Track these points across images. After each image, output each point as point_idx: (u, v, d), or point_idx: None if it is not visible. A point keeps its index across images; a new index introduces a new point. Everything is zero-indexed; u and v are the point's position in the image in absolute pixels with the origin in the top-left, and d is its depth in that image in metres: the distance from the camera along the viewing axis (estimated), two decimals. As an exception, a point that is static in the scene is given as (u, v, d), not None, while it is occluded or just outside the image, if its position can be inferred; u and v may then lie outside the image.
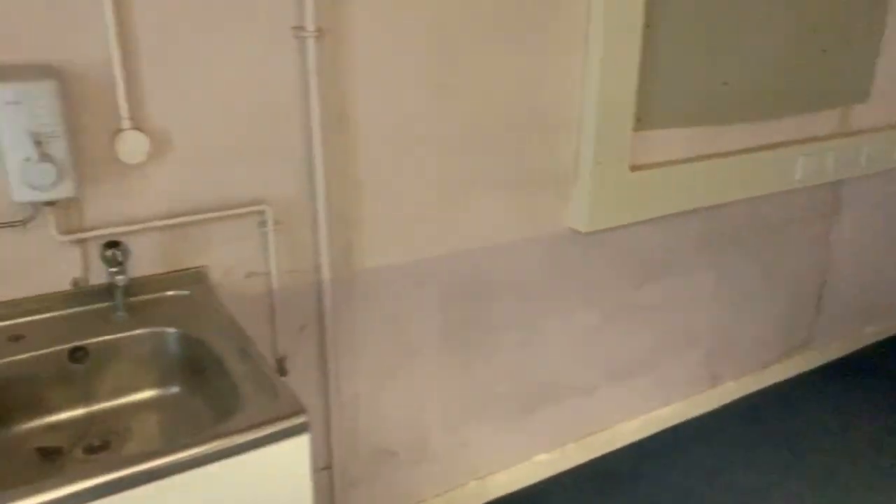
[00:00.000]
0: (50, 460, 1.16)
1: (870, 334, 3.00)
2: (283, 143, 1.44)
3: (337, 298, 1.61)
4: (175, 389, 1.30)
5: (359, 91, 1.49)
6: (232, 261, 1.47)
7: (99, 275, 1.33)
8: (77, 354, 1.23)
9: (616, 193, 1.90)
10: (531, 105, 1.74)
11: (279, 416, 1.02)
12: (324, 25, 1.39)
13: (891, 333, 3.07)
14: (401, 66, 1.53)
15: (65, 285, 1.31)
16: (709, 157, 2.08)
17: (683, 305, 2.31)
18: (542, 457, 2.17)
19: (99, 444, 1.20)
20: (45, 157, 1.14)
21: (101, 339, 1.25)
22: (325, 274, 1.56)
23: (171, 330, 1.27)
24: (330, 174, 1.49)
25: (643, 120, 1.90)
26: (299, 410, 1.03)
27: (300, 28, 1.36)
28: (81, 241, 1.30)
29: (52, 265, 1.29)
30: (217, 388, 1.22)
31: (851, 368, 2.83)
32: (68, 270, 1.31)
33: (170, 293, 1.39)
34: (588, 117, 1.80)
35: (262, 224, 1.46)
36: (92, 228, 1.30)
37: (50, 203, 1.21)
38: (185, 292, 1.39)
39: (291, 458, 1.03)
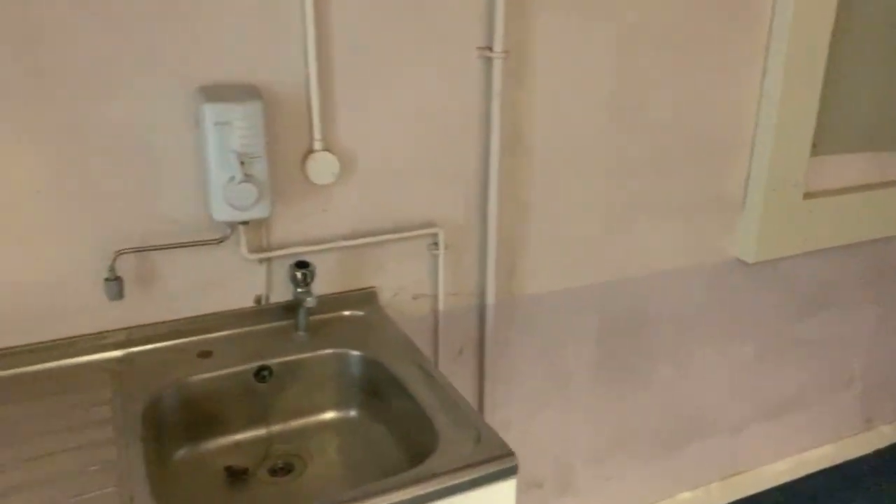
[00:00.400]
0: (238, 480, 1.16)
1: None
2: (459, 165, 1.41)
3: (497, 323, 1.57)
4: (353, 413, 1.28)
5: (536, 112, 1.44)
6: (401, 282, 1.45)
7: (279, 293, 1.34)
8: (262, 373, 1.23)
9: (787, 222, 1.78)
10: (703, 126, 1.65)
11: (487, 458, 0.98)
12: (509, 46, 1.36)
13: None
14: (577, 85, 1.47)
15: (248, 302, 1.32)
16: (885, 185, 1.93)
17: (841, 342, 2.15)
18: (686, 495, 2.06)
19: (282, 465, 1.20)
20: (247, 177, 1.14)
21: (285, 358, 1.25)
22: (489, 298, 1.52)
23: (355, 352, 1.26)
24: (502, 197, 1.46)
25: (819, 144, 1.78)
26: (508, 453, 0.99)
27: (487, 49, 1.33)
28: (267, 260, 1.30)
29: (238, 282, 1.30)
30: (400, 416, 1.19)
31: None
32: (253, 288, 1.32)
33: (345, 313, 1.38)
34: (763, 140, 1.69)
35: (433, 246, 1.44)
36: (278, 248, 1.30)
37: (244, 222, 1.23)
38: (360, 313, 1.38)
39: (497, 502, 0.99)
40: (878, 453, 2.37)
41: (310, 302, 1.23)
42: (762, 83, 1.66)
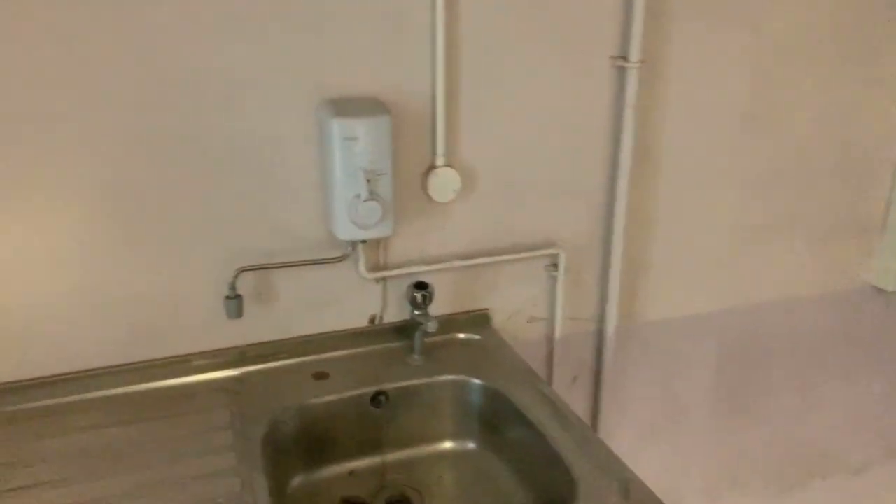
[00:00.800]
0: (355, 511, 1.11)
1: None
2: (584, 181, 1.33)
3: (615, 350, 1.47)
4: (472, 444, 1.22)
5: (666, 124, 1.34)
6: (517, 304, 1.37)
7: (392, 312, 1.28)
8: (378, 398, 1.18)
9: (932, 247, 1.63)
10: (845, 142, 1.51)
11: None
12: (644, 55, 1.26)
13: None
14: (712, 97, 1.36)
15: (363, 322, 1.27)
16: None
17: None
18: (802, 537, 1.91)
19: (398, 499, 1.14)
20: (372, 195, 1.09)
21: (401, 384, 1.19)
22: (609, 324, 1.43)
23: (475, 381, 1.19)
24: (628, 215, 1.36)
25: (972, 162, 1.61)
26: (664, 509, 0.90)
27: (622, 58, 1.25)
28: (383, 279, 1.25)
29: (354, 301, 1.25)
30: (524, 452, 1.12)
31: None
32: (368, 307, 1.27)
33: (460, 336, 1.31)
34: (910, 159, 1.54)
35: (552, 268, 1.35)
36: (395, 267, 1.25)
37: (364, 240, 1.17)
38: (476, 337, 1.31)
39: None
40: None
41: (430, 327, 1.17)
42: (912, 95, 1.52)
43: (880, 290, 1.66)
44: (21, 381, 1.10)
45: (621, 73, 1.26)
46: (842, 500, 1.92)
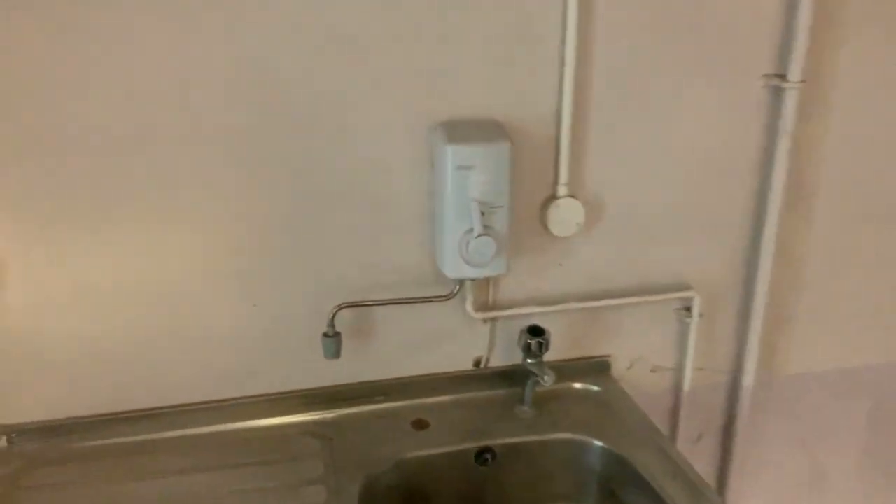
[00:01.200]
0: (455, 582, 1.00)
1: None
2: (725, 217, 1.16)
3: (749, 406, 1.29)
4: (587, 513, 1.08)
5: (827, 154, 1.16)
6: (640, 352, 1.22)
7: (499, 355, 1.16)
8: (484, 455, 1.06)
9: None
10: None
11: None
12: (806, 74, 1.08)
13: None
14: (882, 123, 1.17)
15: (467, 365, 1.16)
16: None
17: None
18: None
19: (503, 568, 1.02)
20: (486, 229, 0.97)
21: (510, 440, 1.06)
22: (746, 376, 1.25)
23: (595, 442, 1.05)
24: (775, 255, 1.18)
25: None
26: None
27: (778, 77, 1.07)
28: (492, 320, 1.13)
29: (458, 342, 1.14)
30: (650, 531, 0.97)
31: None
32: (472, 349, 1.15)
33: (576, 386, 1.17)
34: None
35: (684, 312, 1.19)
36: (505, 307, 1.12)
37: (473, 279, 1.06)
38: (594, 388, 1.17)
39: None
40: None
41: (546, 381, 1.03)
42: None
43: None
44: (115, 413, 1.04)
45: (777, 94, 1.08)
46: None
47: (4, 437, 1.01)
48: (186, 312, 1.02)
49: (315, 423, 1.08)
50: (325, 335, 1.04)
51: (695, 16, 1.04)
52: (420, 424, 1.09)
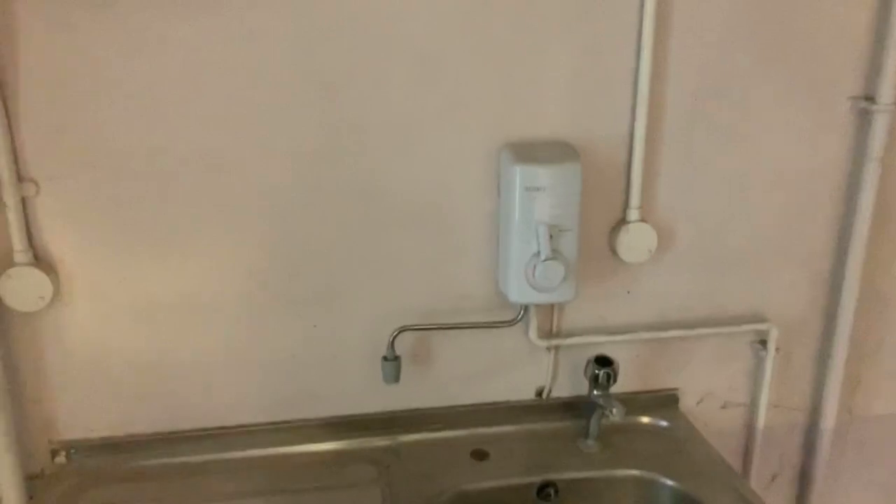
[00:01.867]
0: None
1: None
2: (805, 246, 1.10)
3: (828, 447, 1.21)
4: (655, 556, 1.02)
5: (918, 181, 1.09)
6: (710, 386, 1.16)
7: (561, 385, 1.12)
8: (546, 490, 1.01)
9: None
10: None
11: None
12: (896, 96, 1.03)
13: None
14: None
15: (529, 394, 1.11)
16: None
17: None
18: None
19: None
20: (555, 253, 0.94)
21: (574, 475, 1.01)
22: (825, 416, 1.17)
23: (667, 481, 0.99)
24: (860, 288, 1.11)
25: None
26: None
27: (867, 100, 1.02)
28: (555, 348, 1.09)
29: (520, 371, 1.10)
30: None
31: None
32: (535, 378, 1.11)
33: (644, 420, 1.12)
34: None
35: (759, 345, 1.13)
36: (569, 334, 1.08)
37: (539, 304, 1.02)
38: (663, 423, 1.11)
39: None
40: None
41: (616, 415, 0.98)
42: None
43: None
44: (173, 432, 1.03)
45: (865, 117, 1.03)
46: None
47: (64, 453, 1.01)
48: (246, 333, 1.01)
49: (373, 449, 1.05)
50: (385, 359, 1.02)
51: (778, 35, 0.99)
52: (480, 455, 1.05)
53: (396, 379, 1.02)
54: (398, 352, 1.03)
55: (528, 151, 0.95)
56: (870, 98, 1.01)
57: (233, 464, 1.02)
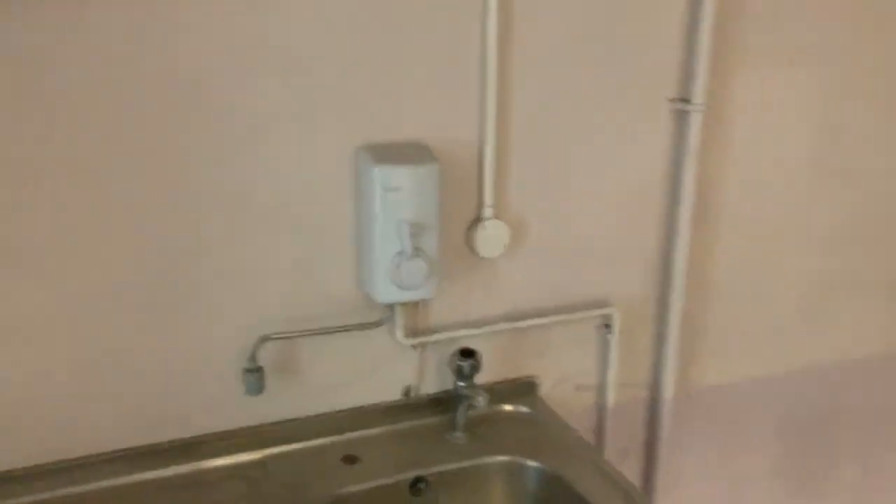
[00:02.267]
0: None
1: None
2: (639, 236, 1.21)
3: (670, 420, 1.33)
4: (526, 537, 1.06)
5: (730, 176, 1.23)
6: (564, 371, 1.23)
7: (429, 383, 1.14)
8: (418, 485, 1.03)
9: None
10: (907, 191, 1.41)
11: None
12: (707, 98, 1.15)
13: None
14: (779, 145, 1.25)
15: (396, 394, 1.13)
16: None
17: None
18: None
19: None
20: (417, 251, 0.96)
21: (444, 467, 1.04)
22: (665, 391, 1.29)
23: (531, 463, 1.04)
24: (687, 273, 1.23)
25: None
26: None
27: (682, 101, 1.14)
28: (421, 345, 1.11)
29: (387, 371, 1.11)
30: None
31: None
32: (401, 377, 1.12)
33: (507, 408, 1.17)
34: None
35: (605, 329, 1.22)
36: (434, 331, 1.11)
37: (404, 303, 1.04)
38: (525, 409, 1.17)
39: None
40: None
41: (479, 402, 1.02)
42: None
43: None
44: (12, 470, 0.94)
45: (682, 117, 1.15)
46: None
47: None
48: (93, 350, 0.94)
49: (242, 465, 1.01)
50: (247, 370, 0.99)
51: (605, 41, 1.09)
52: (351, 459, 1.05)
53: (260, 390, 1.00)
54: (262, 362, 1.00)
55: (385, 153, 0.96)
56: (685, 99, 1.14)
57: (90, 497, 0.95)
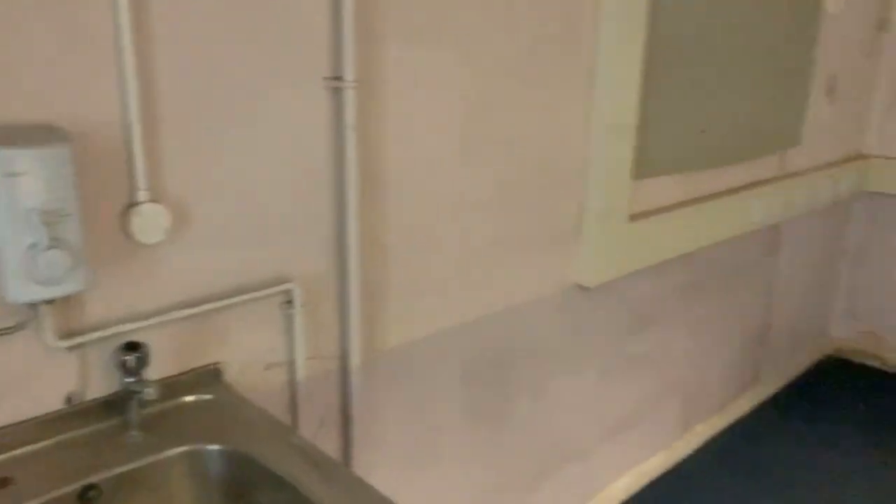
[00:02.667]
0: None
1: (801, 363, 3.14)
2: (311, 209, 1.24)
3: (362, 384, 1.40)
4: (219, 523, 1.04)
5: (390, 147, 1.32)
6: (251, 352, 1.22)
7: (99, 386, 1.05)
8: (88, 495, 0.94)
9: (617, 245, 1.84)
10: (542, 159, 1.64)
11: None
12: (359, 75, 1.22)
13: (819, 357, 3.24)
14: (429, 118, 1.38)
15: (57, 403, 1.02)
16: (693, 202, 2.09)
17: (663, 354, 2.28)
18: (548, 530, 2.02)
19: None
20: (55, 241, 0.87)
21: (116, 470, 0.97)
22: (353, 357, 1.35)
23: (212, 447, 1.02)
24: (361, 241, 1.30)
25: (638, 169, 1.87)
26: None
27: (336, 79, 1.19)
28: (80, 346, 1.02)
29: (42, 380, 0.99)
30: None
31: (794, 396, 2.94)
32: (62, 384, 1.02)
33: (188, 399, 1.12)
34: (593, 169, 1.73)
35: (287, 305, 1.24)
36: (94, 328, 1.02)
37: (49, 301, 0.94)
38: (207, 396, 1.13)
39: None
40: (698, 451, 2.55)
41: (148, 394, 0.97)
42: (590, 114, 1.71)
43: (583, 288, 1.84)
44: None
45: (338, 94, 1.20)
46: (578, 485, 2.08)
47: None
48: None
49: None
50: None
51: (254, 20, 1.09)
52: (3, 483, 0.93)
53: None
54: None
55: (6, 135, 0.86)
56: (338, 77, 1.19)
57: None
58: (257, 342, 1.23)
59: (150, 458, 0.99)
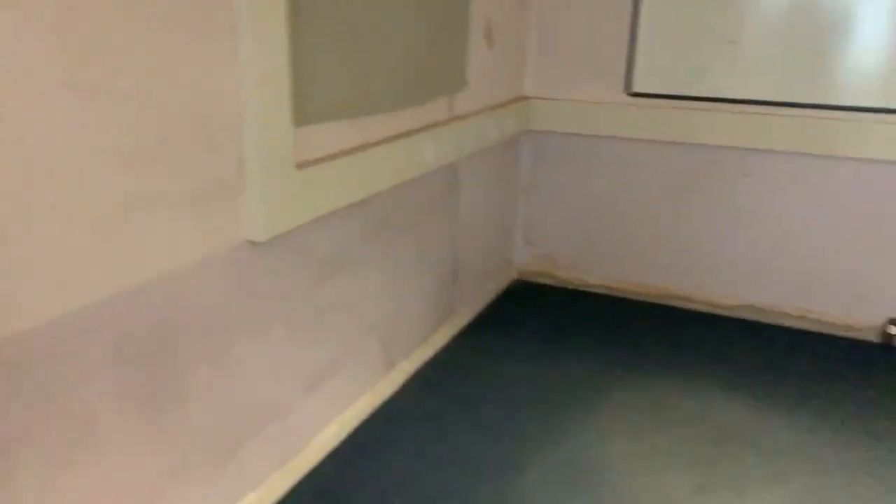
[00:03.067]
0: None
1: (491, 290, 3.45)
2: None
3: (-27, 385, 1.17)
4: None
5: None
6: None
7: None
8: None
9: (286, 195, 1.79)
10: (191, 109, 1.51)
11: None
12: None
13: (506, 283, 3.59)
14: (27, 57, 1.16)
15: None
16: (365, 147, 2.11)
17: (357, 299, 2.31)
18: (251, 496, 1.95)
19: None
20: None
21: None
22: (-48, 356, 1.12)
23: None
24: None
25: (300, 116, 1.82)
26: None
27: None
28: None
29: None
30: None
31: (488, 321, 3.22)
32: None
33: None
34: (249, 116, 1.64)
35: None
36: None
37: None
38: None
39: None
40: (404, 387, 2.66)
41: None
42: (237, 60, 1.60)
43: (255, 244, 1.76)
44: None
45: None
46: (278, 447, 2.04)
47: None
48: None
49: None
50: None
51: None
52: None
53: None
54: None
55: None
56: None
57: None
58: None
59: None
